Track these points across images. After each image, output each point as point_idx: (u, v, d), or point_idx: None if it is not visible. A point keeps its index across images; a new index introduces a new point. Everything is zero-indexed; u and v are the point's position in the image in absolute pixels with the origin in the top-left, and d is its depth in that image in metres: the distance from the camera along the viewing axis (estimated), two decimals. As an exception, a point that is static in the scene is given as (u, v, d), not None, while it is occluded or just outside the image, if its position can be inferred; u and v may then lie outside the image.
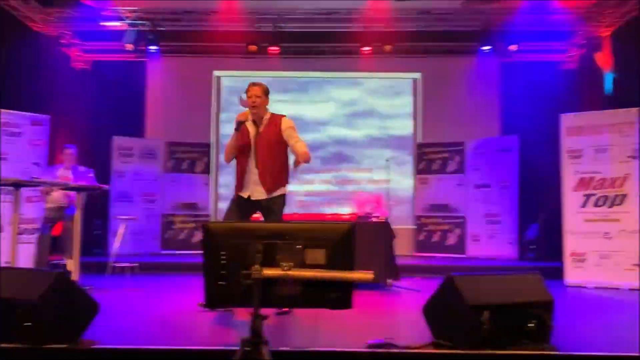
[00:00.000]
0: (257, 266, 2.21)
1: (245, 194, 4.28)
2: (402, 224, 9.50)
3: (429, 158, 9.78)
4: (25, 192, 5.96)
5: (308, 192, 10.21)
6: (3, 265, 5.31)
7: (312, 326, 2.55)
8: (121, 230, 6.14)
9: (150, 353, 2.80)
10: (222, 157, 10.30)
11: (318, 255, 2.27)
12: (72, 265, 5.31)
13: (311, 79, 10.52)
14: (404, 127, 10.36)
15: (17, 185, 4.81)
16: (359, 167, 10.29)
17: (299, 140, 4.35)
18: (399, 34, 9.33)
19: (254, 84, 4.48)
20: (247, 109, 4.45)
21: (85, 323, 3.09)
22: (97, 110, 9.39)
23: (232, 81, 10.55)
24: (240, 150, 4.36)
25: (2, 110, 6.57)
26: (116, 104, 9.64)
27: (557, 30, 9.00)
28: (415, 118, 10.32)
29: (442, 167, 9.68)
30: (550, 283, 3.24)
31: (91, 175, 6.12)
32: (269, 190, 4.25)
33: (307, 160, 4.27)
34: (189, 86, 10.09)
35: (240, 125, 4.32)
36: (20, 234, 4.89)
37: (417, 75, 10.31)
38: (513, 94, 9.49)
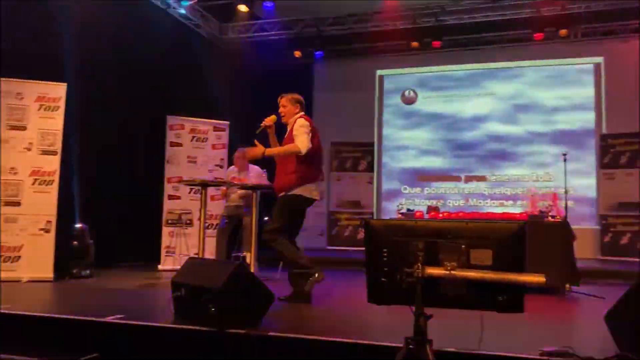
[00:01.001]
0: (419, 264, 2.18)
1: None
2: (583, 224, 8.68)
3: (616, 151, 8.77)
4: (209, 190, 6.64)
5: (468, 192, 9.84)
6: (192, 255, 5.98)
7: (479, 328, 2.45)
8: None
9: (319, 343, 2.93)
10: (384, 157, 10.47)
11: (484, 255, 2.17)
12: (249, 258, 5.77)
13: (469, 73, 10.13)
14: (576, 119, 9.48)
15: (204, 185, 5.39)
16: (521, 164, 9.65)
17: (300, 135, 4.39)
18: (577, 16, 8.53)
19: (279, 97, 4.69)
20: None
21: (262, 311, 3.35)
22: (269, 114, 10.09)
23: (394, 80, 10.58)
24: None
25: (190, 118, 7.40)
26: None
27: None
28: (597, 107, 9.36)
29: (631, 160, 8.62)
30: None
31: (264, 174, 6.56)
32: (279, 190, 4.49)
33: (294, 150, 4.34)
34: (353, 87, 10.36)
35: (261, 129, 4.55)
36: (206, 228, 5.45)
37: (599, 59, 9.32)
38: None
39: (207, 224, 6.56)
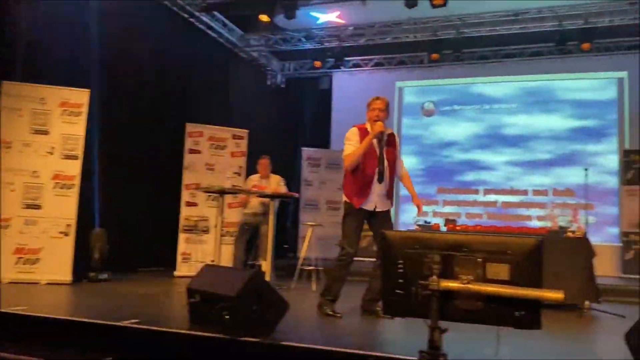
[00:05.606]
0: (434, 277, 2.16)
1: (370, 207, 4.24)
2: (604, 240, 8.53)
3: (639, 167, 8.61)
4: (226, 198, 6.67)
5: (487, 206, 9.74)
6: (208, 263, 6.00)
7: (495, 343, 2.41)
8: (308, 235, 6.51)
9: (332, 354, 2.91)
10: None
11: (501, 269, 2.15)
12: (265, 266, 5.77)
13: (491, 87, 10.06)
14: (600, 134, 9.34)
15: (222, 192, 5.41)
16: (543, 179, 9.52)
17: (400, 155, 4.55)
18: (600, 30, 8.44)
19: (377, 98, 4.36)
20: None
21: (276, 320, 3.34)
22: (288, 124, 10.18)
23: (413, 91, 10.56)
24: (368, 163, 4.23)
25: (209, 126, 7.45)
26: (305, 117, 10.34)
27: None
28: (621, 121, 9.21)
29: (655, 176, 8.45)
30: None
31: (283, 183, 6.59)
32: (392, 203, 4.41)
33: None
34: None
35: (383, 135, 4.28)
36: (222, 236, 5.47)
37: (624, 74, 9.19)
38: None
39: (223, 232, 6.60)
